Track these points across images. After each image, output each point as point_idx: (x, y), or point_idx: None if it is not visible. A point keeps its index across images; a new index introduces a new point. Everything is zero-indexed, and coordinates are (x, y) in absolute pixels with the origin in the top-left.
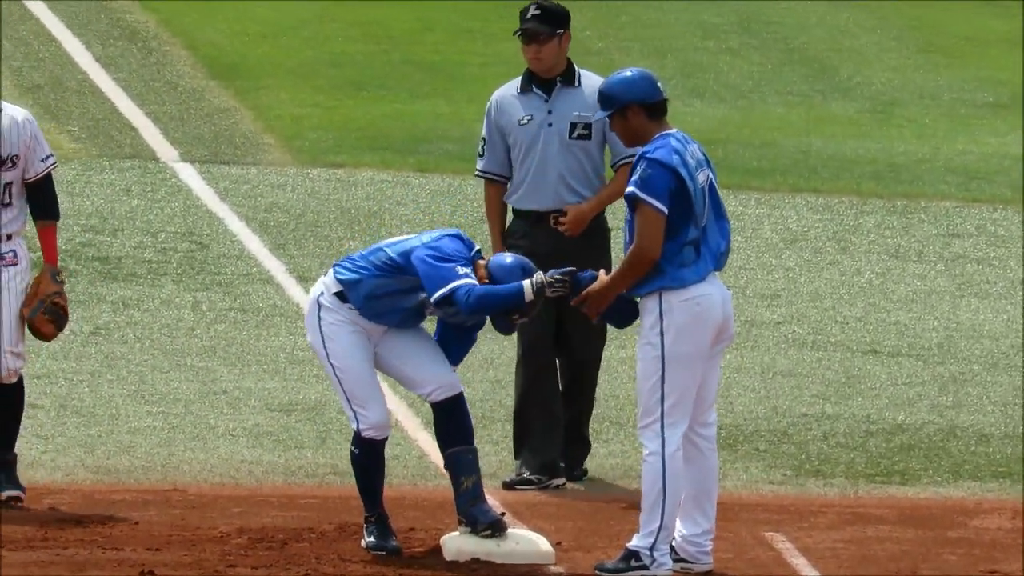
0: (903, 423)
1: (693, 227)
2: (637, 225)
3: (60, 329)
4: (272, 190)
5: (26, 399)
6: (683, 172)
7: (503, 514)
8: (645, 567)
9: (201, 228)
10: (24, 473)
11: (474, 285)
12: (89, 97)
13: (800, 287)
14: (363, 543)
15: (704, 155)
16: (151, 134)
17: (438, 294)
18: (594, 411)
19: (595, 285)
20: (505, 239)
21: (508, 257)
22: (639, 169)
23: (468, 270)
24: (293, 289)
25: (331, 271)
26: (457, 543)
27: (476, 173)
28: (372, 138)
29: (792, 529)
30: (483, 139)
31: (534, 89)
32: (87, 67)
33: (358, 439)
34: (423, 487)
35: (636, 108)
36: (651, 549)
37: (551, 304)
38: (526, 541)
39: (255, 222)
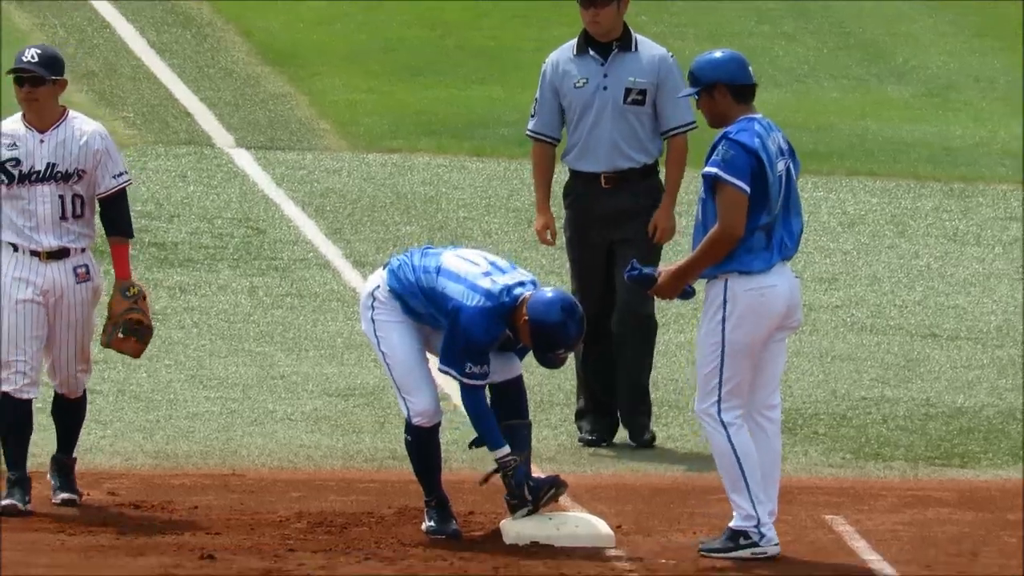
0: (962, 406)
1: (766, 213)
2: (719, 206)
3: (145, 343)
4: (328, 175)
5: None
6: (763, 156)
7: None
8: (755, 544)
9: (257, 214)
10: (83, 458)
11: (469, 391)
12: (144, 83)
13: (858, 271)
14: (423, 527)
15: (788, 145)
16: (206, 120)
17: (443, 368)
18: (654, 393)
19: (671, 268)
20: (564, 196)
21: (549, 292)
22: (721, 149)
23: (477, 369)
24: (350, 274)
25: (386, 273)
26: (517, 527)
27: (526, 132)
28: (427, 123)
29: (852, 512)
30: (536, 100)
31: (590, 52)
32: (141, 53)
33: (409, 426)
34: (482, 471)
35: (723, 89)
36: (757, 526)
37: (603, 268)
38: (586, 524)
39: (311, 207)
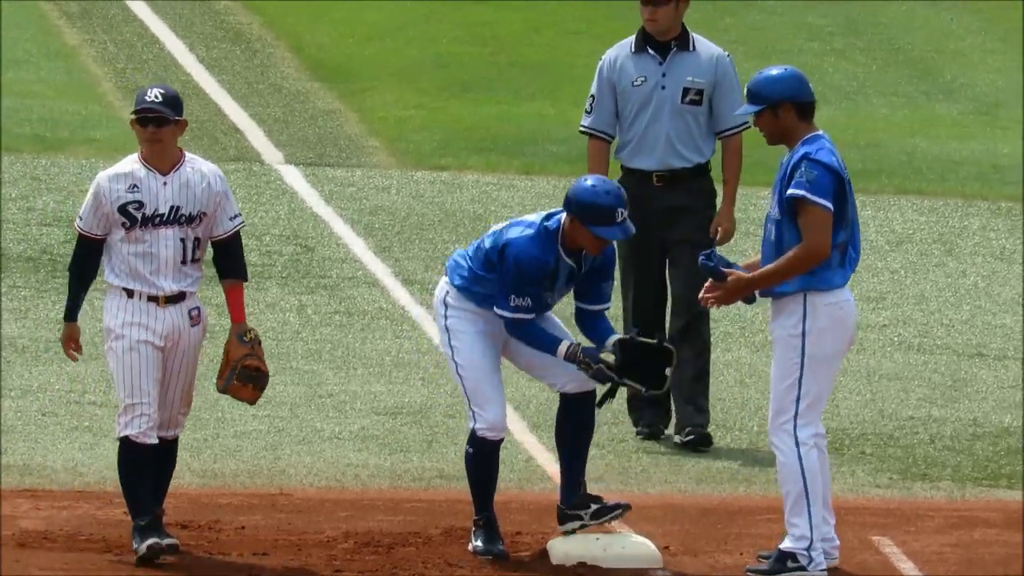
0: (1009, 426)
1: (844, 230)
2: (805, 226)
3: (261, 389)
4: (377, 192)
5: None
6: (843, 174)
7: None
8: (803, 568)
9: (306, 231)
10: None
11: (518, 324)
12: (193, 99)
13: (906, 289)
14: (470, 547)
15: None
16: (255, 136)
17: (496, 311)
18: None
19: (745, 276)
20: None
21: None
22: (803, 170)
23: (523, 302)
24: (398, 292)
25: (447, 275)
26: (564, 547)
27: (580, 129)
28: (477, 140)
29: (899, 533)
30: (592, 96)
31: (649, 51)
32: (191, 69)
33: (473, 437)
34: (529, 491)
35: (788, 106)
36: (808, 549)
37: (656, 265)
38: (633, 545)
39: (360, 225)
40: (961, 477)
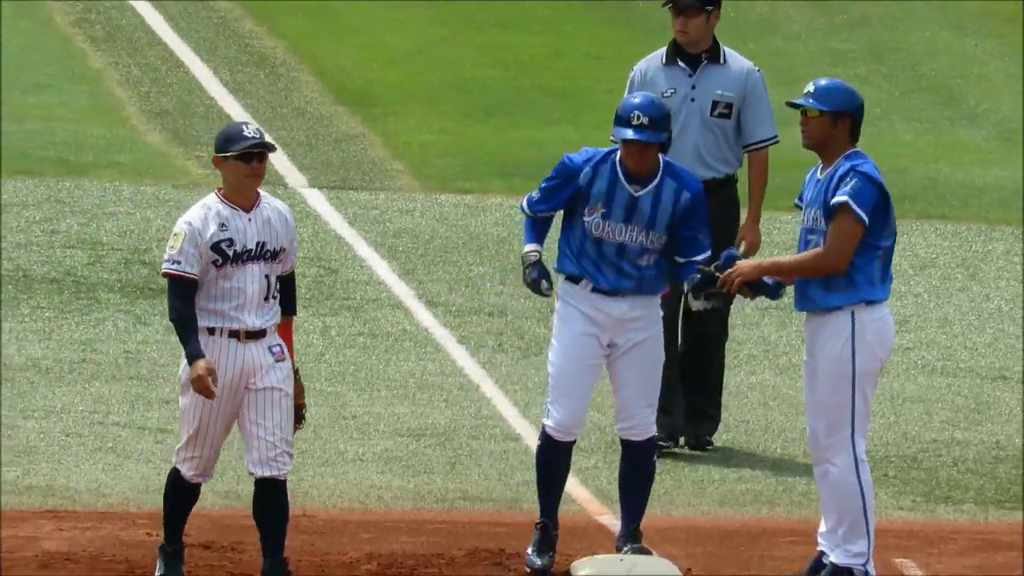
0: None
1: (887, 237)
2: (835, 233)
3: (299, 424)
4: (401, 216)
5: (157, 423)
6: (887, 190)
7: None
8: None
9: (330, 253)
10: (154, 498)
11: (530, 215)
12: (217, 123)
13: (929, 313)
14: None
15: None
16: (279, 160)
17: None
18: (725, 435)
19: (756, 260)
20: None
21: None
22: (851, 181)
23: (533, 192)
24: (422, 314)
25: (555, 263)
26: (587, 568)
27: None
28: (501, 164)
29: (922, 555)
30: None
31: (679, 63)
32: (215, 93)
33: (543, 432)
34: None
35: (847, 121)
36: (864, 565)
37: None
38: (656, 566)
39: (384, 247)
40: (984, 500)
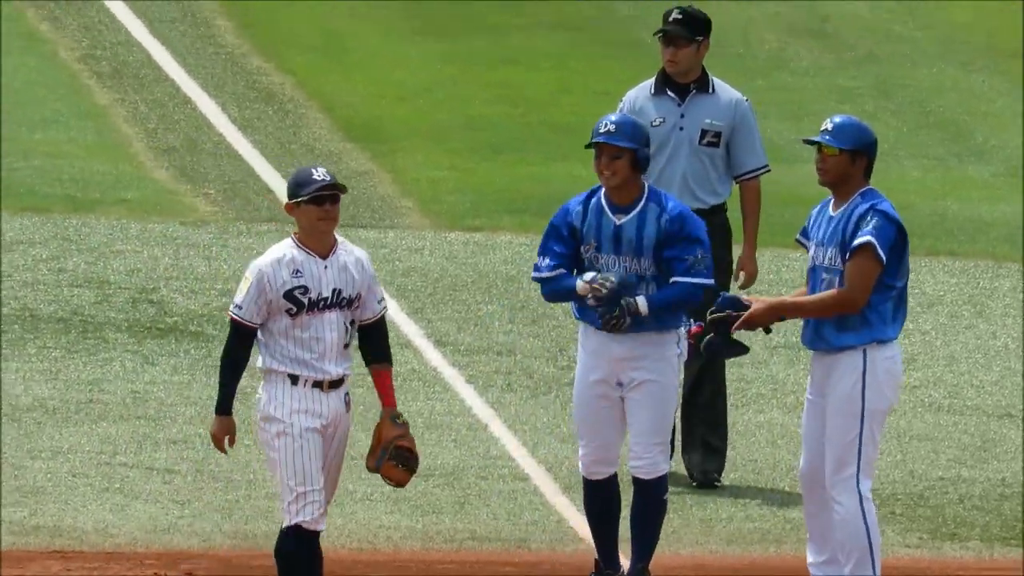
0: None
1: (902, 277)
2: (854, 272)
3: (412, 472)
4: (410, 254)
5: (164, 464)
6: (904, 229)
7: None
8: None
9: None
10: (161, 538)
11: (539, 282)
12: (225, 159)
13: (936, 351)
14: None
15: None
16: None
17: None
18: (733, 473)
19: (770, 300)
20: None
21: None
22: (872, 220)
23: (540, 260)
24: (431, 353)
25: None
26: None
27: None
28: (509, 201)
29: None
30: None
31: (668, 92)
32: (223, 129)
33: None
34: (561, 552)
35: (864, 160)
36: None
37: None
38: None
39: (393, 286)
40: (990, 537)
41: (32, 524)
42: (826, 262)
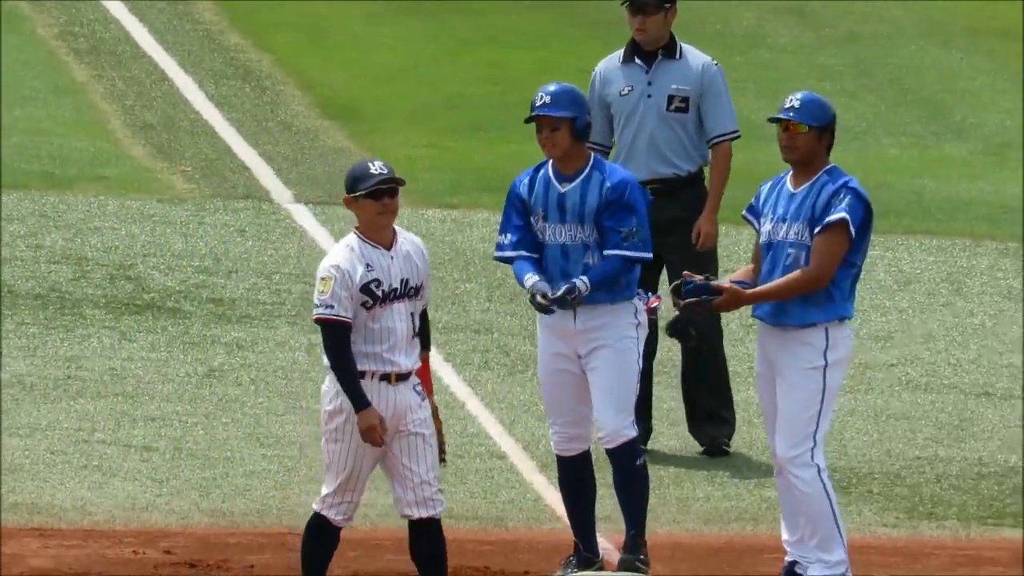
0: (1015, 465)
1: (861, 257)
2: (822, 249)
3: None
4: None
5: (142, 441)
6: (872, 209)
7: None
8: None
9: (316, 269)
10: (139, 516)
11: (502, 260)
12: (202, 137)
13: (913, 329)
14: None
15: None
16: (265, 175)
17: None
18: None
19: (741, 291)
20: None
21: None
22: (845, 198)
23: (502, 238)
24: None
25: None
26: None
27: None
28: (488, 179)
29: (905, 571)
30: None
31: (636, 60)
32: (200, 106)
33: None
34: (538, 530)
35: (829, 136)
36: (845, 572)
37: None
38: None
39: None
40: (967, 516)
41: (10, 502)
42: (791, 237)
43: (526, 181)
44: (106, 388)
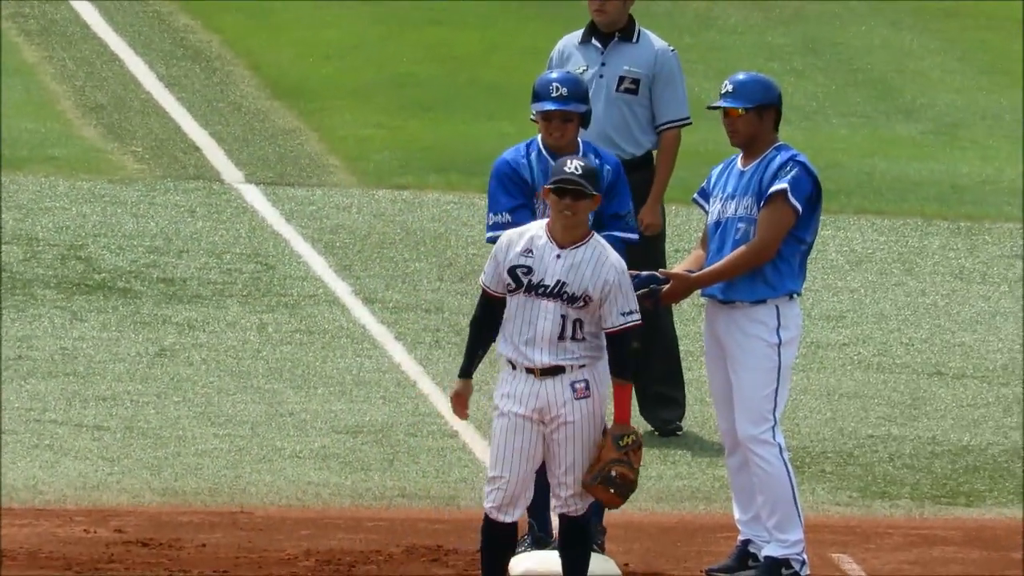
0: (968, 444)
1: (810, 234)
2: (767, 221)
3: (624, 498)
4: (337, 211)
5: (94, 420)
6: (820, 185)
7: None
8: (796, 573)
9: (266, 249)
10: (91, 495)
11: (505, 223)
12: (153, 117)
13: (865, 308)
14: None
15: None
16: (215, 155)
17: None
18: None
19: (689, 278)
20: None
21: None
22: (791, 171)
23: (499, 217)
24: (359, 310)
25: None
26: (525, 563)
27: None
28: (437, 159)
29: (859, 551)
30: None
31: (593, 41)
32: (151, 87)
33: None
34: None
35: (772, 113)
36: (802, 552)
37: None
38: (595, 562)
39: (320, 243)
40: (920, 495)
41: None
42: (740, 211)
43: (524, 162)
44: (57, 368)
